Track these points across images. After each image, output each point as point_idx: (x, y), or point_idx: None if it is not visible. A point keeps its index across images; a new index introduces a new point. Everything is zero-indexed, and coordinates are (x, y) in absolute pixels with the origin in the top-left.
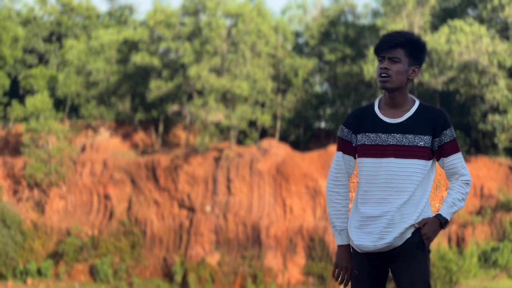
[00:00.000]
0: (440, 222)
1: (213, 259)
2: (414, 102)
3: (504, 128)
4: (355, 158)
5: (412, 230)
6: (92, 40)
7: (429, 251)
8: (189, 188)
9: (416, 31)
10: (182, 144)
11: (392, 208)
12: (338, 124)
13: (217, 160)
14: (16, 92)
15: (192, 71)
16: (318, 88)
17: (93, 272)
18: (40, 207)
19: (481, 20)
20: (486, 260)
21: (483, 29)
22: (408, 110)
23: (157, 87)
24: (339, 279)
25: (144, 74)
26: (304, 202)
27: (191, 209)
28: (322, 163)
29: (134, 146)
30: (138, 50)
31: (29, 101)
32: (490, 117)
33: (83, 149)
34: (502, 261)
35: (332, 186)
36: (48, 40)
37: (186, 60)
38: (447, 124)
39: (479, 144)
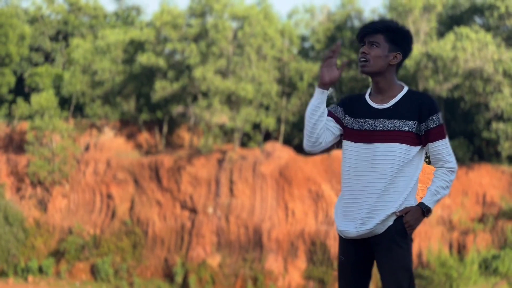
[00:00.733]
0: (423, 210)
1: (214, 260)
2: (402, 88)
3: (508, 136)
4: (335, 123)
5: (394, 217)
6: (99, 39)
7: (411, 240)
8: (192, 189)
9: (422, 37)
10: (186, 145)
11: (375, 194)
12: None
13: (220, 162)
14: (22, 90)
15: (198, 72)
16: None
17: (94, 271)
18: (43, 205)
19: (487, 28)
20: (487, 267)
21: (489, 37)
22: (395, 96)
23: (162, 88)
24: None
25: (149, 74)
26: (306, 206)
27: (193, 210)
28: (325, 168)
29: (138, 146)
30: (144, 51)
31: (34, 99)
32: (494, 125)
33: (87, 148)
34: (502, 269)
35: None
36: (54, 38)
37: (192, 61)
38: (434, 109)
39: (483, 151)
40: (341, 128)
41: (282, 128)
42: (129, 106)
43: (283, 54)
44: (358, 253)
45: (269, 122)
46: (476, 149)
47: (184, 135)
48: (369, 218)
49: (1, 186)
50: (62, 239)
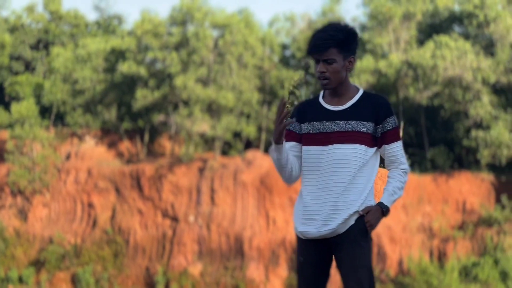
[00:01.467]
0: (382, 210)
1: (196, 269)
2: (358, 90)
3: (487, 144)
4: (297, 146)
5: (355, 217)
6: (79, 48)
7: (371, 239)
8: (173, 198)
9: (402, 45)
10: (167, 153)
11: (335, 194)
12: None
13: (201, 170)
14: (2, 98)
15: (179, 81)
16: None
17: (75, 281)
18: (23, 214)
19: (466, 36)
20: (467, 275)
21: (468, 45)
22: (352, 98)
23: (143, 97)
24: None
25: (130, 83)
26: (287, 214)
27: (175, 219)
28: None
29: (119, 155)
30: (125, 59)
31: (15, 108)
32: (474, 132)
33: (68, 157)
34: (482, 276)
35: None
36: (35, 47)
37: (173, 70)
38: (390, 111)
39: (462, 159)
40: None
41: (263, 136)
42: (110, 114)
43: (264, 62)
44: (318, 254)
45: (250, 130)
46: (456, 157)
47: (165, 143)
48: (331, 218)
49: None
50: (42, 248)
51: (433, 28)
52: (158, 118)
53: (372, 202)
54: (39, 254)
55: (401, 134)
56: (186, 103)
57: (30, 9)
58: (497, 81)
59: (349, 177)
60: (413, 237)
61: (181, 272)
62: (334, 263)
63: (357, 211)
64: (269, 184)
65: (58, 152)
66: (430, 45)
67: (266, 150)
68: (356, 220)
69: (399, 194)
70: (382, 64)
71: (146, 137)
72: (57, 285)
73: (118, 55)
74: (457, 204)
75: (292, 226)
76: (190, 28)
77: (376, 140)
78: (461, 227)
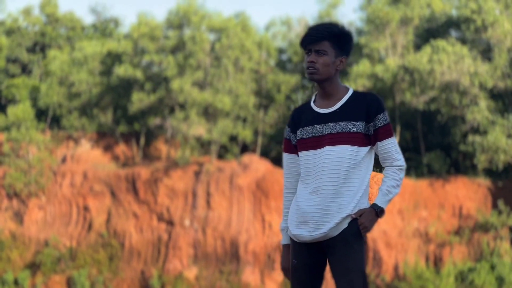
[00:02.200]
0: (376, 211)
1: (191, 273)
2: (347, 90)
3: (484, 149)
4: (296, 154)
5: (348, 220)
6: (76, 51)
7: (365, 242)
8: (169, 202)
9: (399, 50)
10: (163, 157)
11: (327, 197)
12: None
13: (197, 174)
14: None
15: (175, 84)
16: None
17: (70, 284)
18: (19, 217)
19: (463, 41)
20: (463, 280)
21: (465, 50)
22: (341, 99)
23: (139, 100)
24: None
25: (126, 86)
26: None
27: (170, 223)
28: None
29: (115, 158)
30: (121, 62)
31: (11, 110)
32: (471, 137)
33: (63, 160)
34: (478, 281)
35: (284, 188)
36: (31, 50)
37: (169, 73)
38: (381, 108)
39: (459, 164)
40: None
41: (259, 140)
42: (106, 118)
43: (260, 66)
44: (311, 257)
45: (246, 134)
46: (453, 162)
47: (161, 147)
48: (324, 222)
49: None
50: (38, 251)
51: (430, 32)
52: (154, 121)
53: (366, 204)
54: (34, 257)
55: (393, 131)
56: (182, 106)
57: (27, 12)
58: (494, 86)
59: (341, 179)
60: (409, 242)
61: (176, 276)
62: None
63: (349, 214)
64: (265, 188)
65: (54, 155)
66: (427, 49)
67: (263, 154)
68: (350, 223)
69: (394, 192)
70: (378, 69)
71: (142, 140)
72: (53, 287)
73: (114, 58)
74: (454, 209)
75: None
76: (187, 32)
77: (369, 139)
78: (458, 232)
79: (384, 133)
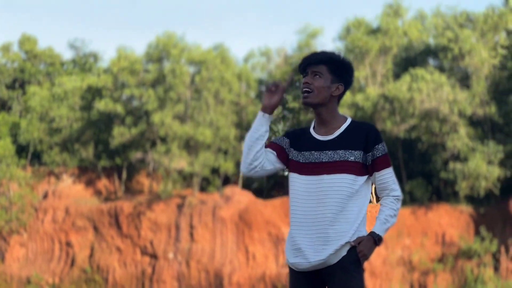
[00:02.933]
0: (375, 239)
1: None
2: (345, 119)
3: (465, 176)
4: (277, 157)
5: (347, 247)
6: (56, 87)
7: (363, 270)
8: (152, 235)
9: (379, 79)
10: (145, 191)
11: (325, 225)
12: None
13: (180, 207)
14: None
15: (156, 118)
16: None
17: None
18: (0, 255)
19: (441, 69)
20: None
21: (443, 78)
22: (339, 127)
23: (120, 134)
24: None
25: (107, 121)
26: (267, 249)
27: (154, 256)
28: (285, 211)
29: (97, 193)
30: (101, 97)
31: None
32: (452, 165)
33: (45, 196)
34: None
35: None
36: (11, 86)
37: (150, 107)
38: (379, 138)
39: (441, 192)
40: (283, 161)
41: (241, 172)
42: (88, 152)
43: (240, 98)
44: (310, 285)
45: (227, 166)
46: (435, 189)
47: (143, 180)
48: (322, 249)
49: None
50: None
51: (408, 61)
52: (136, 155)
53: (364, 232)
54: None
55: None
56: (163, 140)
57: (5, 48)
58: (473, 113)
59: (338, 207)
60: (393, 270)
61: None
62: None
63: (348, 242)
64: (248, 219)
65: (35, 191)
66: (406, 78)
67: (244, 185)
68: (348, 251)
69: (391, 222)
70: (359, 98)
71: (124, 174)
72: None
73: (94, 92)
74: (437, 237)
75: (271, 261)
76: (167, 65)
77: (367, 168)
78: (441, 259)
79: (382, 163)
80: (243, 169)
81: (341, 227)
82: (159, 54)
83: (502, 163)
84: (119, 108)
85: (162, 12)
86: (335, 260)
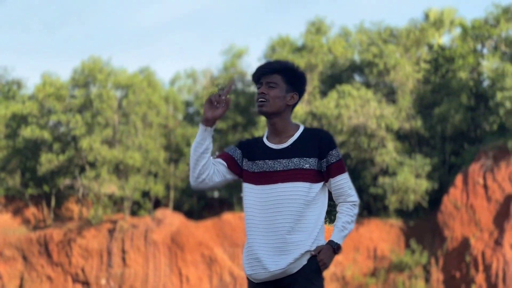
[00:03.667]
0: (333, 248)
1: None
2: (298, 127)
3: (394, 190)
4: (227, 168)
5: (307, 256)
6: None
7: (323, 278)
8: (83, 262)
9: (306, 96)
10: (75, 217)
11: (282, 234)
12: (231, 192)
13: (111, 232)
14: None
15: (84, 143)
16: None
17: None
18: None
19: (367, 85)
20: None
21: (370, 93)
22: (293, 135)
23: (48, 161)
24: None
25: (34, 148)
26: (200, 271)
27: (86, 283)
28: (217, 232)
29: (26, 221)
30: (27, 124)
31: None
32: (381, 179)
33: None
34: None
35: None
36: None
37: (78, 132)
38: (333, 144)
39: (371, 206)
40: (235, 172)
41: (172, 194)
42: (14, 181)
43: (168, 120)
44: None
45: (158, 189)
46: (365, 205)
47: (73, 207)
48: (281, 259)
49: None
50: None
51: (334, 78)
52: (64, 181)
53: (323, 240)
54: None
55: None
56: (92, 165)
57: None
58: (400, 127)
59: (295, 216)
60: (327, 287)
61: None
62: None
63: (309, 251)
64: (180, 242)
65: None
66: (333, 95)
67: (176, 208)
68: (309, 260)
69: (349, 228)
70: None
71: (53, 201)
72: None
73: (19, 120)
74: (368, 251)
75: (205, 282)
76: (93, 90)
77: (322, 175)
78: (373, 274)
79: (337, 169)
80: (192, 182)
81: (299, 236)
82: (85, 79)
83: (429, 176)
84: (46, 135)
85: (87, 37)
86: (295, 269)
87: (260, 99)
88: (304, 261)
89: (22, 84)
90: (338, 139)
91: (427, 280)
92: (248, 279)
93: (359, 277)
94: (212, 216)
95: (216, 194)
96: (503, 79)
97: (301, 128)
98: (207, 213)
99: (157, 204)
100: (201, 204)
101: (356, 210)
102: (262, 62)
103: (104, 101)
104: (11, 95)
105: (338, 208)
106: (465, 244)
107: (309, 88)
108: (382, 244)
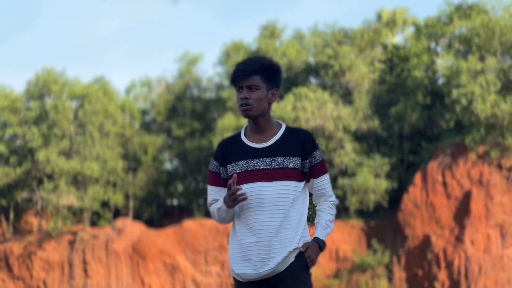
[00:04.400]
0: (319, 245)
1: None
2: (280, 125)
3: (354, 191)
4: (225, 188)
5: (295, 254)
6: None
7: (311, 274)
8: (45, 274)
9: None
10: (35, 230)
11: (270, 233)
12: (190, 200)
13: (71, 243)
14: None
15: (41, 155)
16: (168, 165)
17: None
18: None
19: (324, 87)
20: None
21: (326, 95)
22: (275, 134)
23: (5, 174)
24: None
25: None
26: (163, 279)
27: None
28: (178, 239)
29: None
30: None
31: None
32: (340, 180)
33: None
34: None
35: (213, 210)
36: None
37: (34, 144)
38: (315, 145)
39: None
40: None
41: (131, 203)
42: None
43: (125, 129)
44: None
45: (117, 198)
46: None
47: (32, 220)
48: (270, 258)
49: None
50: None
51: (290, 81)
52: (22, 194)
53: (308, 237)
54: None
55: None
56: (50, 177)
57: None
58: (357, 128)
59: (283, 215)
60: None
61: None
62: None
63: (296, 248)
64: (141, 250)
65: None
66: (289, 98)
67: (135, 217)
68: (296, 257)
69: (331, 227)
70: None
71: (11, 215)
72: None
73: None
74: (331, 253)
75: None
76: (48, 101)
77: (304, 175)
78: (336, 275)
79: (320, 170)
80: (222, 224)
81: (285, 234)
82: (39, 91)
83: (388, 176)
84: (2, 148)
85: (39, 49)
86: (283, 267)
87: (244, 104)
88: (292, 258)
89: None
90: None
91: (390, 279)
92: (234, 278)
93: (322, 278)
94: (172, 224)
95: (175, 202)
96: (458, 76)
97: (283, 127)
98: (167, 221)
99: (117, 213)
100: (160, 212)
101: (335, 211)
102: (241, 62)
103: (60, 112)
104: None
105: (319, 207)
106: (426, 242)
107: None
108: (344, 245)
